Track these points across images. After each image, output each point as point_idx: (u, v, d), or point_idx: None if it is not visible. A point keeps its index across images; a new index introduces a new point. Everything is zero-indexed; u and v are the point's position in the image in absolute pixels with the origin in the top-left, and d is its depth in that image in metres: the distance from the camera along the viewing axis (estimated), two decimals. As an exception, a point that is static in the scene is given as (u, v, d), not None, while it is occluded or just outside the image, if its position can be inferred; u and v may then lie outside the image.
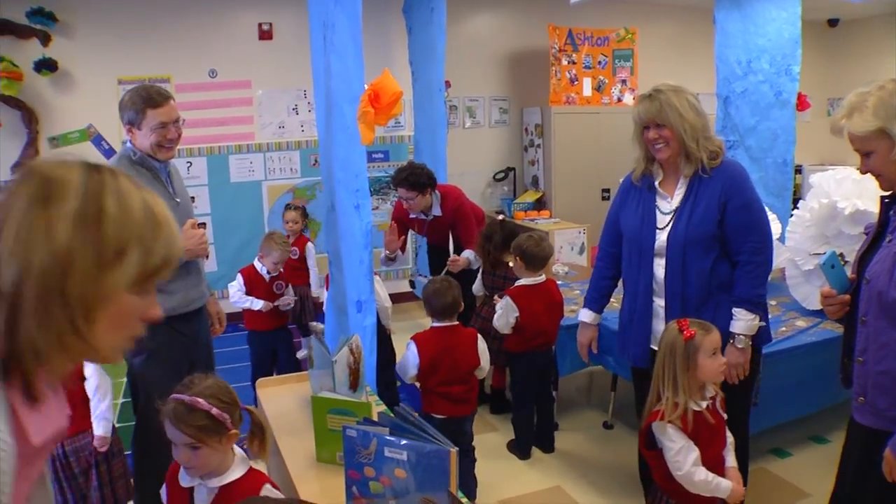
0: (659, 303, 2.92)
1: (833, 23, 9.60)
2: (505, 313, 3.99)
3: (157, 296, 3.44)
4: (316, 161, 6.94)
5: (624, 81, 7.95)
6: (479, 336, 3.53)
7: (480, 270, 4.68)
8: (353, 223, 3.48)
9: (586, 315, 3.30)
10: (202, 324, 3.30)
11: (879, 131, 2.03)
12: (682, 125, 2.74)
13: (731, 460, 2.62)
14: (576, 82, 7.76)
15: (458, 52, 7.41)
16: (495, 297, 4.27)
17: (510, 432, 4.29)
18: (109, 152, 6.35)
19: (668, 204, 2.89)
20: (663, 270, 2.87)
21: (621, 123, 7.74)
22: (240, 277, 4.68)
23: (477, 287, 4.67)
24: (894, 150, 2.01)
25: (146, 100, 2.95)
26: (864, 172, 2.17)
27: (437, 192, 4.96)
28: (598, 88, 7.85)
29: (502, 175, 8.11)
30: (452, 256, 4.92)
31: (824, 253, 2.27)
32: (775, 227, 4.61)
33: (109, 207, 1.01)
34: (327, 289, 4.33)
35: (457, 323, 3.48)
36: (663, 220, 2.88)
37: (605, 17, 8.03)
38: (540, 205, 7.79)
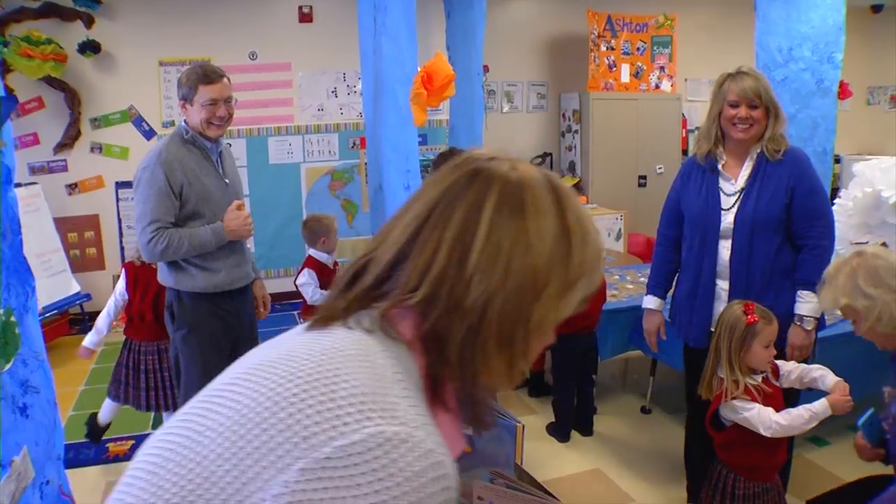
0: (722, 285, 2.91)
1: (877, 9, 9.40)
2: (548, 296, 3.99)
3: (200, 274, 3.53)
4: (354, 144, 6.99)
5: (662, 68, 7.88)
6: None
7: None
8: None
9: (651, 301, 3.21)
10: (245, 304, 3.36)
11: (846, 307, 2.13)
12: (775, 110, 2.79)
13: (830, 378, 2.55)
14: (614, 68, 7.72)
15: (497, 36, 7.40)
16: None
17: (549, 415, 4.32)
18: (149, 133, 6.45)
19: (731, 185, 2.88)
20: (728, 252, 2.86)
21: (659, 110, 7.87)
22: (310, 273, 4.31)
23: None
24: (862, 322, 2.10)
25: (200, 76, 3.04)
26: (859, 334, 2.24)
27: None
28: (637, 75, 7.80)
29: (539, 160, 8.08)
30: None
31: (864, 413, 2.35)
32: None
33: (574, 227, 0.90)
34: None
35: None
36: (727, 201, 2.87)
37: (645, 4, 7.97)
38: (577, 190, 7.75)
